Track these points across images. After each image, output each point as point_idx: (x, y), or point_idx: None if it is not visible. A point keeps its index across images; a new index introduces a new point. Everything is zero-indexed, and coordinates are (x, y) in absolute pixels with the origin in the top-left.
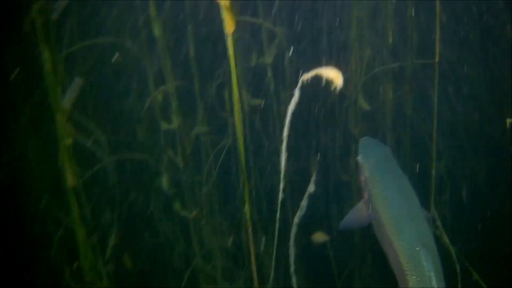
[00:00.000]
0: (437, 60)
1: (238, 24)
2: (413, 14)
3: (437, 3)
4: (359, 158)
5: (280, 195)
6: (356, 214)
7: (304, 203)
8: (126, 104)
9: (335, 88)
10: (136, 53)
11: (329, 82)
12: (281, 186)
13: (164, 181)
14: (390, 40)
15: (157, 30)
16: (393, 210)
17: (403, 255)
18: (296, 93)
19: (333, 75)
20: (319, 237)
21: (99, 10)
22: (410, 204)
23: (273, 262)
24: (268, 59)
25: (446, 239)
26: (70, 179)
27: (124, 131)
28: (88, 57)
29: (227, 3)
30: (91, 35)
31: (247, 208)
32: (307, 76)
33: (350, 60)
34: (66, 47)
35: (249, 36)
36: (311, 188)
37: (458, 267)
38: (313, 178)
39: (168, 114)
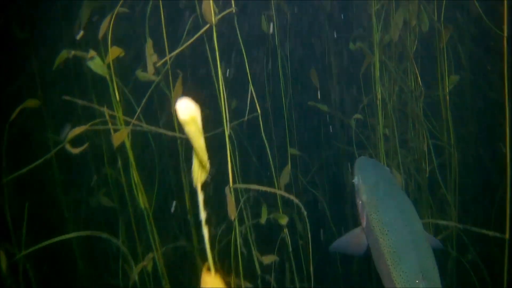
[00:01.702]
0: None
1: None
2: None
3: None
4: (356, 180)
5: None
6: (352, 239)
7: None
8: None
9: None
10: None
11: None
12: None
13: None
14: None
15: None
16: (393, 238)
17: None
18: None
19: None
20: None
21: None
22: (412, 231)
23: None
24: (283, 219)
25: None
26: None
27: None
28: None
29: None
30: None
31: None
32: None
33: None
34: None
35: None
36: None
37: None
38: None
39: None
